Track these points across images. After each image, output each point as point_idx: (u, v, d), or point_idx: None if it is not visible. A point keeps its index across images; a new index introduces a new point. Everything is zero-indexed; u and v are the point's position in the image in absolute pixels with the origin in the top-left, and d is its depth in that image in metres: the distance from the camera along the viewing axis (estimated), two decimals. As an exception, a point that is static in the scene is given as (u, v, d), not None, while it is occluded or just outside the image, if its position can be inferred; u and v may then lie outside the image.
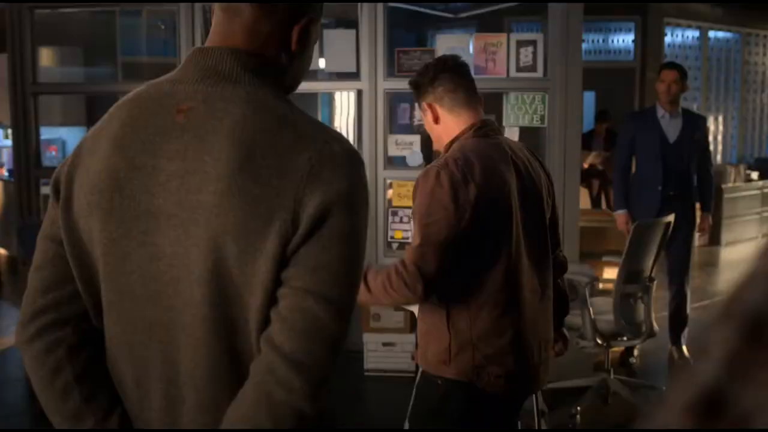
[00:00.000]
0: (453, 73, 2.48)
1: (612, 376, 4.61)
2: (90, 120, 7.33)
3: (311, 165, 1.25)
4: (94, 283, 1.36)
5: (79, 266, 1.35)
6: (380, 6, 5.47)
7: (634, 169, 5.50)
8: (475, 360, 2.29)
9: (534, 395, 3.24)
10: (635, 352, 5.41)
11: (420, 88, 2.54)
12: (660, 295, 5.37)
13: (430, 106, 2.50)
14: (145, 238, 1.29)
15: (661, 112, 5.27)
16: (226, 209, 1.23)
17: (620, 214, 5.32)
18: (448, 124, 2.48)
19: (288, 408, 1.21)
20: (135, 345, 1.33)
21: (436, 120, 2.50)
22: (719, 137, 11.17)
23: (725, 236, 10.13)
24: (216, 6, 1.39)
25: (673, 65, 5.43)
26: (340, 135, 1.36)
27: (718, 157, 11.16)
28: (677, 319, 5.37)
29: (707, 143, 5.45)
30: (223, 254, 1.24)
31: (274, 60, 1.38)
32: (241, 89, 1.31)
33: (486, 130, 2.44)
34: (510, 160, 2.40)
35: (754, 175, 10.77)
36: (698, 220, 5.39)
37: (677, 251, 5.25)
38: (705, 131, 5.44)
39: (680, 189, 5.19)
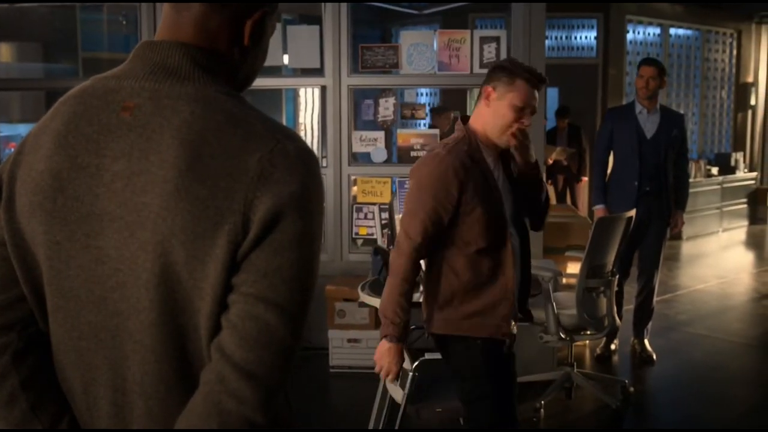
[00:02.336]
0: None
1: (575, 370, 4.65)
2: (50, 116, 7.21)
3: (262, 166, 1.19)
4: (39, 286, 1.30)
5: (24, 268, 1.30)
6: (344, 2, 5.46)
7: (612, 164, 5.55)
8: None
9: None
10: (613, 347, 5.47)
11: None
12: (631, 288, 5.44)
13: None
14: (89, 241, 1.23)
15: (639, 107, 5.29)
16: (173, 212, 1.18)
17: (599, 209, 5.32)
18: None
19: (239, 418, 1.17)
20: (82, 350, 1.28)
21: None
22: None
23: (686, 231, 10.24)
24: (165, 3, 1.34)
25: (651, 61, 5.40)
26: (293, 133, 1.28)
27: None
28: (642, 313, 5.41)
29: (685, 141, 5.42)
30: (170, 258, 1.19)
31: (225, 56, 1.33)
32: (189, 86, 1.25)
33: None
34: None
35: (714, 170, 10.93)
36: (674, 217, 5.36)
37: (649, 246, 5.30)
38: (683, 129, 5.40)
39: (656, 185, 5.19)
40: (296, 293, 1.21)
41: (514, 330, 2.94)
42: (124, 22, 7.49)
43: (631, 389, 4.73)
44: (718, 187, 10.83)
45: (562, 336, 4.41)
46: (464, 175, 2.68)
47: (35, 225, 1.26)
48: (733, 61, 11.89)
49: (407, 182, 5.39)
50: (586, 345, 5.58)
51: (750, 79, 12.02)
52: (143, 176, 1.20)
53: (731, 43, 11.80)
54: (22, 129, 7.23)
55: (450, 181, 2.67)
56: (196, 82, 1.26)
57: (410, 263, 2.78)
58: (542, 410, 4.42)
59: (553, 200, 8.47)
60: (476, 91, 5.42)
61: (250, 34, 1.33)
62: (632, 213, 4.54)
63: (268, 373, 1.19)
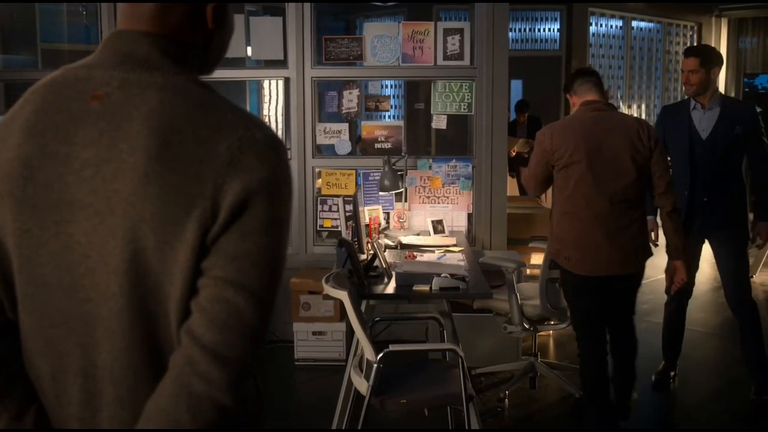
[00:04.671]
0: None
1: (539, 360, 4.69)
2: (8, 107, 7.08)
3: (232, 152, 1.21)
4: (8, 275, 1.31)
5: None
6: (307, -7, 5.44)
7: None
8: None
9: (463, 380, 3.28)
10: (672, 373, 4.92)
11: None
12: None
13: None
14: (59, 228, 1.25)
15: (693, 103, 4.43)
16: (143, 198, 1.19)
17: (650, 220, 4.47)
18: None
19: (207, 400, 1.19)
20: (51, 338, 1.29)
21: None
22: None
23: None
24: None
25: (689, 51, 4.49)
26: (261, 121, 1.31)
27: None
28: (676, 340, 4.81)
29: (760, 137, 4.37)
30: (140, 244, 1.20)
31: (191, 42, 1.35)
32: (158, 75, 1.27)
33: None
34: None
35: (676, 161, 11.04)
36: (761, 231, 4.44)
37: (727, 273, 4.45)
38: (753, 124, 4.37)
39: (716, 195, 4.34)
40: (265, 277, 1.23)
41: None
42: (85, 13, 7.38)
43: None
44: (679, 178, 10.94)
45: (526, 326, 4.45)
46: None
47: (5, 213, 1.27)
48: (694, 53, 12.02)
49: (371, 174, 5.41)
50: (550, 335, 5.62)
51: (710, 72, 12.15)
52: (113, 163, 1.21)
53: (692, 36, 11.93)
54: (-20, 121, 7.09)
55: None
56: (165, 71, 1.28)
57: None
58: (506, 400, 4.46)
59: (515, 192, 8.53)
60: (440, 83, 5.46)
61: (212, 17, 1.35)
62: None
63: (237, 356, 1.20)
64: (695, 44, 11.97)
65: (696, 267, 4.59)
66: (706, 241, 4.51)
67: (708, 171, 4.33)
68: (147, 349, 1.25)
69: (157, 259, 1.21)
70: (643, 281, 6.93)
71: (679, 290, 4.11)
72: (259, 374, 1.42)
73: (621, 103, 11.05)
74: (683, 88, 4.56)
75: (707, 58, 4.35)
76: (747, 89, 10.68)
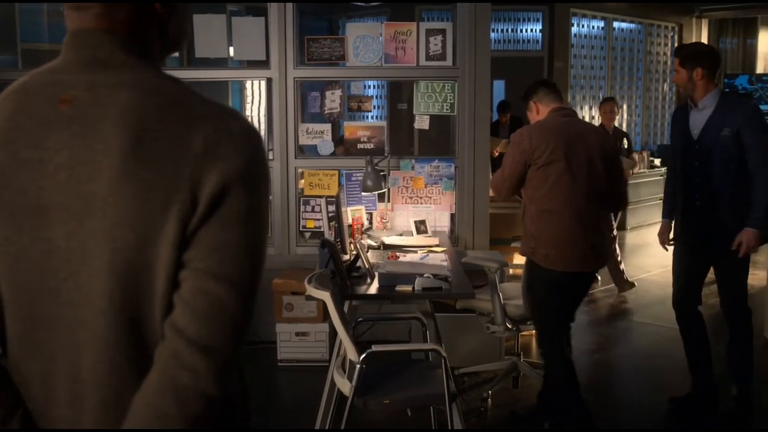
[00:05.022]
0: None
1: (522, 359, 4.70)
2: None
3: (207, 144, 1.21)
4: None
5: None
6: (290, -7, 5.43)
7: None
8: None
9: (446, 379, 3.29)
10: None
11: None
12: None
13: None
14: (38, 234, 1.24)
15: (690, 103, 4.29)
16: (121, 197, 1.19)
17: (663, 222, 4.55)
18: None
19: (194, 392, 1.19)
20: (38, 342, 1.29)
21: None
22: (623, 125, 11.49)
23: (630, 220, 10.44)
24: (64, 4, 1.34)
25: (675, 50, 4.38)
26: (235, 111, 1.31)
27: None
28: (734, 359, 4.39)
29: (755, 139, 4.04)
30: (120, 244, 1.20)
31: (147, 33, 1.34)
32: (126, 73, 1.27)
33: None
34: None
35: (657, 161, 11.13)
36: (743, 237, 4.06)
37: (723, 279, 4.31)
38: (743, 123, 4.04)
39: (710, 199, 4.16)
40: (246, 267, 1.23)
41: None
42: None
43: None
44: (661, 177, 11.00)
45: (509, 326, 4.46)
46: None
47: None
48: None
49: (354, 174, 5.40)
50: (533, 335, 5.64)
51: (691, 72, 12.24)
52: (88, 165, 1.21)
53: (673, 37, 12.01)
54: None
55: None
56: (132, 68, 1.28)
57: None
58: (489, 400, 4.47)
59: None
60: (423, 84, 5.47)
61: (160, 4, 1.34)
62: None
63: (221, 347, 1.21)
64: (678, 44, 12.03)
65: (698, 275, 4.34)
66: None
67: (700, 173, 4.17)
68: (130, 350, 1.25)
69: (139, 257, 1.21)
70: (612, 285, 6.90)
71: (684, 298, 4.34)
72: (244, 368, 1.42)
73: (603, 104, 11.09)
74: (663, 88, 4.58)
75: (687, 57, 4.18)
76: (727, 89, 10.76)
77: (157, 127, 1.21)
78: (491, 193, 4.14)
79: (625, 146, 7.46)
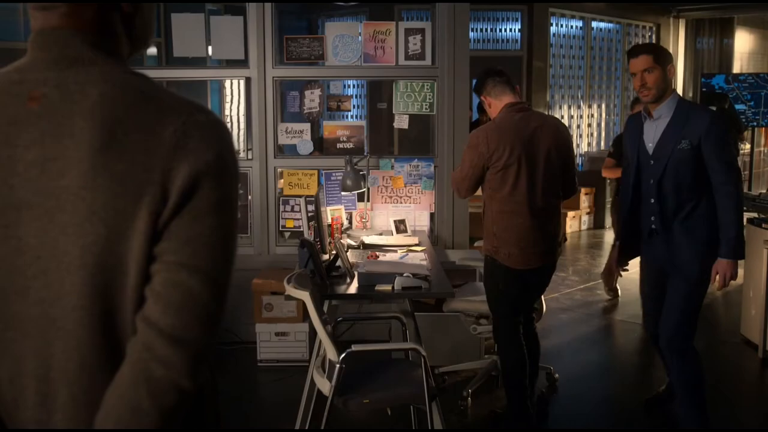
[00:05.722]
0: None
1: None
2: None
3: (177, 137, 1.22)
4: None
5: None
6: (268, -8, 5.42)
7: None
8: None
9: (425, 379, 3.29)
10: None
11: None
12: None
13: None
14: (7, 232, 1.24)
15: (645, 112, 3.80)
16: (92, 191, 1.20)
17: (615, 246, 4.22)
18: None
19: (167, 384, 1.19)
20: (7, 342, 1.28)
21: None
22: (602, 124, 11.56)
23: (609, 219, 10.48)
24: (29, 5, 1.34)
25: (640, 48, 3.71)
26: (203, 106, 1.32)
27: (602, 144, 11.54)
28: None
29: (718, 153, 3.56)
30: (92, 238, 1.20)
31: (114, 30, 1.35)
32: (94, 70, 1.27)
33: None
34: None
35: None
36: (719, 269, 3.62)
37: (666, 308, 3.78)
38: (707, 135, 3.55)
39: (666, 220, 3.71)
40: (218, 258, 1.24)
41: None
42: (42, 11, 7.25)
43: (557, 376, 4.82)
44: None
45: (480, 323, 4.50)
46: None
47: None
48: (653, 53, 12.19)
49: (333, 174, 5.40)
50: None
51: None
52: (59, 161, 1.21)
53: (650, 37, 12.09)
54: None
55: None
56: (100, 66, 1.28)
57: None
58: (469, 398, 4.47)
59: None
60: (402, 83, 5.47)
61: (125, 1, 1.35)
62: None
63: (194, 339, 1.21)
64: (636, 45, 12.12)
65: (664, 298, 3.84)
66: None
67: (656, 192, 3.70)
68: (102, 346, 1.24)
69: (110, 251, 1.21)
70: (592, 282, 6.94)
71: (653, 322, 3.93)
72: (212, 357, 1.42)
73: (582, 103, 11.16)
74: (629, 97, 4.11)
75: (661, 53, 3.70)
76: (704, 89, 10.84)
77: (127, 121, 1.22)
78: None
79: None
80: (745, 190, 10.92)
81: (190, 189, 1.22)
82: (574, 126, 11.09)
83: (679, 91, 12.52)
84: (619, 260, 4.12)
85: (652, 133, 3.75)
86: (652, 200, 3.73)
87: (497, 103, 3.95)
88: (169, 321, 1.20)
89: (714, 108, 10.77)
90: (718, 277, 3.63)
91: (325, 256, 4.23)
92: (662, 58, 3.68)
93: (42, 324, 1.25)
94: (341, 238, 4.84)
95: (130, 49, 1.40)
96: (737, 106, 10.71)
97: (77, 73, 1.26)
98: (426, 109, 5.54)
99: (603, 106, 11.55)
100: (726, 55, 12.49)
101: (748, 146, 11.82)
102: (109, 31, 1.34)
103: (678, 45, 12.43)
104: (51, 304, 1.24)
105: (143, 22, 1.40)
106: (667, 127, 3.68)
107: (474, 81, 4.27)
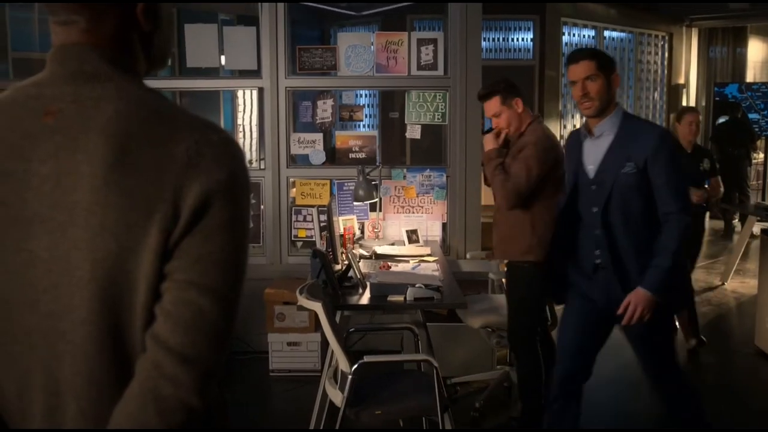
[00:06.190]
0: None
1: (514, 369, 4.69)
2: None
3: (189, 155, 1.22)
4: None
5: None
6: (281, 2, 5.44)
7: None
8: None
9: (438, 390, 3.28)
10: None
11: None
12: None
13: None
14: (20, 245, 1.25)
15: (584, 129, 3.36)
16: (104, 206, 1.20)
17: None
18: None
19: (176, 402, 1.19)
20: (16, 355, 1.28)
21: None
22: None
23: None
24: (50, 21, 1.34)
25: (579, 54, 3.25)
26: (216, 124, 1.32)
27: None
28: None
29: (667, 177, 3.11)
30: (103, 254, 1.21)
31: (132, 48, 1.36)
32: (110, 86, 1.28)
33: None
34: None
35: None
36: (631, 299, 3.13)
37: (642, 358, 3.47)
38: (656, 157, 3.10)
39: (611, 255, 3.21)
40: (228, 277, 1.24)
41: None
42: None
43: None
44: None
45: (502, 336, 4.47)
46: None
47: None
48: (665, 63, 12.16)
49: (345, 184, 5.40)
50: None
51: (681, 81, 12.30)
52: (72, 176, 1.21)
53: (663, 46, 12.06)
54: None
55: None
56: (116, 82, 1.29)
57: None
58: (482, 409, 4.46)
59: (491, 201, 8.54)
60: (414, 93, 5.48)
61: (144, 19, 1.35)
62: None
63: (203, 357, 1.21)
64: (665, 54, 12.07)
65: (593, 349, 3.49)
66: None
67: (600, 222, 3.22)
68: (111, 361, 1.24)
69: (121, 267, 1.21)
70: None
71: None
72: (224, 378, 1.43)
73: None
74: (569, 107, 3.49)
75: (605, 60, 3.25)
76: (717, 98, 10.81)
77: (141, 138, 1.22)
78: (504, 199, 3.86)
79: (707, 167, 5.68)
80: (759, 200, 10.88)
81: (201, 207, 1.22)
82: (587, 135, 11.05)
83: (692, 101, 12.48)
84: (555, 298, 3.66)
85: (592, 154, 3.27)
86: (597, 231, 3.23)
87: (525, 108, 3.98)
88: (179, 339, 1.20)
89: (724, 118, 10.77)
90: (628, 308, 3.10)
91: (338, 267, 4.23)
92: (606, 65, 3.22)
93: (51, 337, 1.25)
94: (353, 249, 4.84)
95: (148, 66, 1.41)
96: (750, 116, 10.68)
97: (93, 88, 1.27)
98: (438, 119, 5.54)
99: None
100: (739, 64, 12.45)
101: (761, 156, 11.77)
102: (127, 49, 1.35)
103: (691, 54, 12.40)
104: (60, 317, 1.24)
105: (161, 41, 1.41)
106: (611, 146, 3.21)
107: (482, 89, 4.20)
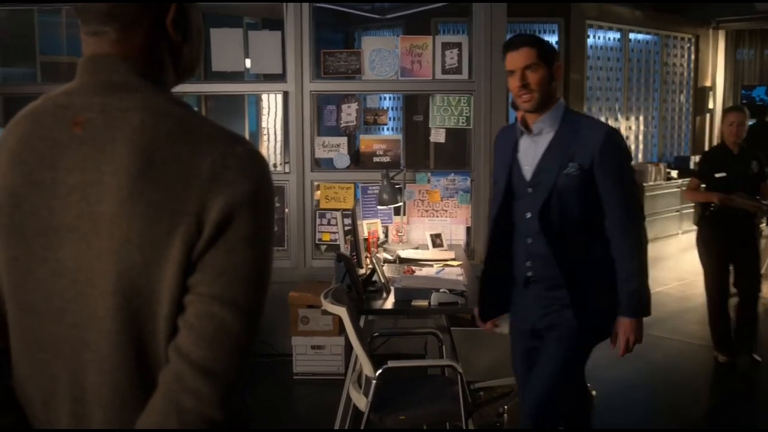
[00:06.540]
0: None
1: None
2: (7, 120, 7.08)
3: (214, 168, 1.23)
4: None
5: None
6: (306, 6, 5.46)
7: None
8: None
9: (462, 395, 3.28)
10: None
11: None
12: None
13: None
14: (47, 254, 1.26)
15: (521, 124, 2.96)
16: (128, 217, 1.21)
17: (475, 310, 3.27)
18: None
19: (197, 415, 1.20)
20: (41, 363, 1.30)
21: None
22: (640, 137, 11.46)
23: (693, 250, 10.39)
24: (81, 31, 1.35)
25: (518, 41, 2.87)
26: (242, 137, 1.32)
27: (639, 156, 11.44)
28: None
29: (615, 179, 2.81)
30: (127, 265, 1.21)
31: (161, 59, 1.36)
32: (138, 97, 1.28)
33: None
34: None
35: (674, 173, 11.07)
36: (619, 331, 2.91)
37: (535, 377, 2.99)
38: (603, 158, 2.78)
39: (547, 270, 2.88)
40: (251, 291, 1.24)
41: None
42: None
43: (594, 393, 4.77)
44: (678, 189, 10.96)
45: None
46: None
47: None
48: (692, 65, 12.07)
49: (370, 188, 5.41)
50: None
51: (708, 83, 12.20)
52: (98, 186, 1.22)
53: (689, 48, 11.97)
54: (-21, 134, 7.09)
55: None
56: (144, 93, 1.29)
57: None
58: (506, 415, 4.44)
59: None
60: (438, 97, 5.47)
61: (174, 30, 1.36)
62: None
63: (225, 370, 1.21)
64: (691, 56, 11.96)
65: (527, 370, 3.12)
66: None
67: (534, 232, 2.88)
68: (134, 370, 1.25)
69: (144, 279, 1.22)
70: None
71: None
72: (247, 389, 1.43)
73: (619, 115, 11.08)
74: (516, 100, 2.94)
75: (547, 48, 2.88)
76: (745, 101, 10.71)
77: (166, 150, 1.23)
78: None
79: (755, 170, 5.28)
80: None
81: (225, 221, 1.22)
82: (612, 138, 10.97)
83: (718, 104, 12.37)
84: (482, 314, 3.20)
85: (530, 153, 2.91)
86: (530, 240, 2.89)
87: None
88: (201, 353, 1.20)
89: (753, 120, 10.66)
90: (620, 340, 2.89)
91: (362, 271, 4.24)
92: (548, 54, 2.86)
93: (76, 346, 1.26)
94: (377, 253, 4.84)
95: (176, 78, 1.41)
96: (778, 118, 10.55)
97: (121, 99, 1.27)
98: (462, 123, 5.53)
99: (641, 118, 11.45)
100: (767, 66, 12.32)
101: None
102: (157, 60, 1.35)
103: (717, 56, 12.29)
104: (86, 327, 1.25)
105: (191, 52, 1.42)
106: (551, 144, 2.86)
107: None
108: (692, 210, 10.95)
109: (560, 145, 2.84)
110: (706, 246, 5.40)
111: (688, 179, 5.98)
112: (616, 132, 2.89)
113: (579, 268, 2.86)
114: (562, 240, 2.84)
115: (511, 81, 2.87)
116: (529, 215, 2.89)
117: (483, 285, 3.14)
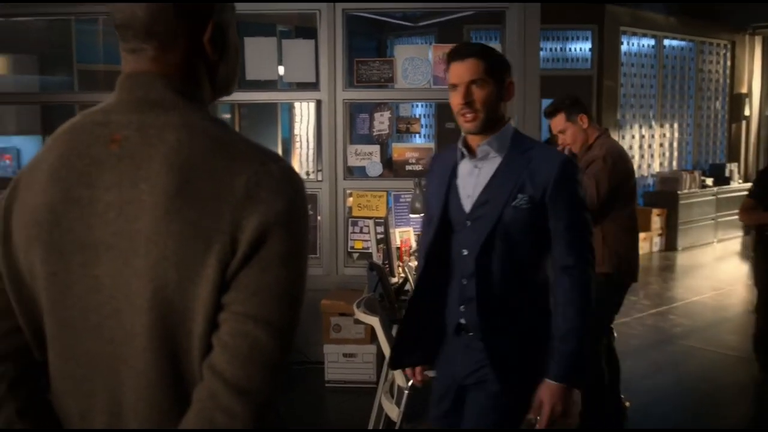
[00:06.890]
0: None
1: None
2: (45, 128, 7.21)
3: (249, 187, 1.23)
4: (35, 317, 1.33)
5: (20, 300, 1.33)
6: (339, 13, 5.48)
7: None
8: None
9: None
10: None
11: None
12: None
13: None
14: (85, 271, 1.27)
15: (461, 148, 2.53)
16: (164, 236, 1.21)
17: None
18: None
19: None
20: (78, 378, 1.31)
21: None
22: (675, 144, 11.35)
23: (681, 241, 10.29)
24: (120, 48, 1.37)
25: (466, 50, 2.44)
26: (276, 155, 1.33)
27: (674, 164, 11.33)
28: None
29: (569, 214, 2.39)
30: (162, 282, 1.22)
31: (198, 77, 1.37)
32: (174, 115, 1.29)
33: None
34: None
35: (709, 181, 10.96)
36: (544, 397, 2.38)
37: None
38: (553, 184, 2.36)
39: (482, 317, 2.42)
40: (285, 309, 1.24)
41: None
42: (120, 35, 7.46)
43: (627, 403, 4.72)
44: (713, 197, 10.85)
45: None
46: None
47: (32, 258, 1.30)
48: (727, 72, 11.94)
49: (402, 196, 5.41)
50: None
51: (744, 90, 12.06)
52: (134, 204, 1.23)
53: (725, 54, 11.84)
54: (17, 141, 7.21)
55: None
56: (181, 110, 1.30)
57: None
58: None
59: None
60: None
61: (211, 48, 1.37)
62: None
63: (258, 389, 1.22)
64: (727, 63, 11.81)
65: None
66: None
67: (471, 272, 2.42)
68: (170, 387, 1.26)
69: (180, 296, 1.23)
70: (677, 304, 6.72)
71: None
72: (283, 404, 1.43)
73: (653, 123, 10.98)
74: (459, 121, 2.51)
75: (498, 61, 2.46)
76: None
77: (202, 168, 1.24)
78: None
79: None
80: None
81: (259, 240, 1.22)
82: (646, 146, 10.90)
83: (755, 110, 12.21)
84: (393, 361, 2.76)
85: (471, 180, 2.48)
86: (464, 281, 2.45)
87: (587, 124, 4.11)
88: (235, 371, 1.21)
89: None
90: (544, 408, 2.38)
91: (394, 280, 4.24)
92: (498, 68, 2.45)
93: (113, 362, 1.28)
94: (410, 261, 4.84)
95: (213, 95, 1.43)
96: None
97: (158, 116, 1.29)
98: (495, 131, 5.51)
99: (675, 125, 11.35)
100: (805, 72, 12.16)
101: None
102: (194, 77, 1.36)
103: (754, 63, 12.15)
104: (122, 343, 1.26)
105: (227, 71, 1.43)
106: (497, 172, 2.43)
107: (545, 102, 4.34)
108: (727, 218, 10.87)
109: (509, 173, 2.41)
110: (759, 268, 5.07)
111: (737, 194, 5.77)
112: (572, 162, 2.45)
113: (524, 317, 2.44)
114: (505, 282, 2.41)
115: (453, 96, 2.46)
116: (465, 252, 2.44)
117: (402, 329, 2.65)
